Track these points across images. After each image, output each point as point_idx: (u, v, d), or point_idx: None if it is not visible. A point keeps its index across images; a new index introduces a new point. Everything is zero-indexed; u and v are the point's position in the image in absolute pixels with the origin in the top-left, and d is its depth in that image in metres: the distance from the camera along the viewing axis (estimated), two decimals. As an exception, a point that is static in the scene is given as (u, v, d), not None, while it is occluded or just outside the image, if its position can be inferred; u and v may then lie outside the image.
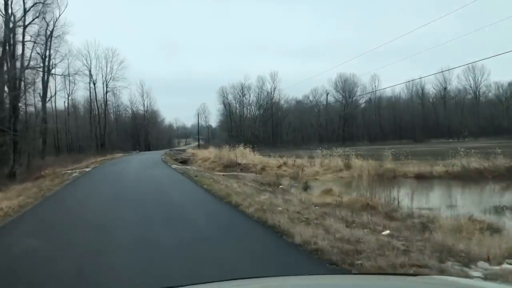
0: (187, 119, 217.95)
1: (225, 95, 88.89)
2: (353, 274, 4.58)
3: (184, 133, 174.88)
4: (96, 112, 66.22)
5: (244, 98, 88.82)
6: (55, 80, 57.51)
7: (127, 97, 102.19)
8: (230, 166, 27.54)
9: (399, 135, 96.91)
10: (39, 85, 45.99)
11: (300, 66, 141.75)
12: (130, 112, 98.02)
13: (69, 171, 23.27)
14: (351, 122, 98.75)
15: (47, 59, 45.52)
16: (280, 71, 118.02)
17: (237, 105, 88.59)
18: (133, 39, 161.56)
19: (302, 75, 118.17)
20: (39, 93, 45.20)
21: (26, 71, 38.59)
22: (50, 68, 47.07)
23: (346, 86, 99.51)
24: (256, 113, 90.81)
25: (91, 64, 65.60)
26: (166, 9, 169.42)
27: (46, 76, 46.06)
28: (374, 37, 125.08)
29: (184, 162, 38.80)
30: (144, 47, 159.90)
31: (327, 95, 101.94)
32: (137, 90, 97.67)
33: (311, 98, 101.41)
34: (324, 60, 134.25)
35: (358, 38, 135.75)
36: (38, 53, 43.72)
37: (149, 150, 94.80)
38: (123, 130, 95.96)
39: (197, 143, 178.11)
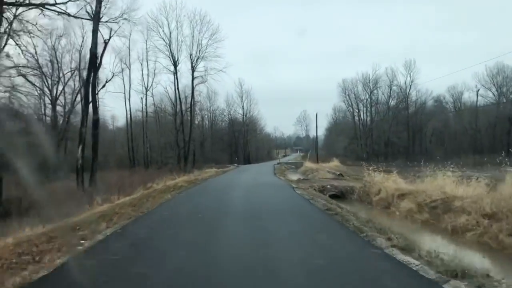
0: (284, 129, 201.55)
1: (349, 89, 65.35)
2: None
3: (282, 144, 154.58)
4: (179, 109, 46.03)
5: (372, 95, 64.56)
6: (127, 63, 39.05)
7: (223, 97, 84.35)
8: None
9: None
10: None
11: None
12: (227, 116, 78.95)
13: None
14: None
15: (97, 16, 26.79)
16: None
17: (365, 104, 64.59)
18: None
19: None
20: (79, 73, 26.60)
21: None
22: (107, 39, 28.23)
23: (506, 81, 70.21)
24: (385, 114, 65.61)
25: (171, 36, 45.08)
26: (251, 17, 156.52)
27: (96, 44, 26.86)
28: None
29: (339, 196, 16.98)
30: (233, 57, 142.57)
31: (477, 92, 73.47)
32: (235, 90, 78.65)
33: (447, 97, 73.69)
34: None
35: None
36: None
37: (249, 163, 75.07)
38: (219, 138, 77.66)
39: (297, 153, 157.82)
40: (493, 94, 72.41)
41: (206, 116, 77.66)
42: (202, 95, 74.26)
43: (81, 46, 32.56)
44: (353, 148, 58.05)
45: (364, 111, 62.84)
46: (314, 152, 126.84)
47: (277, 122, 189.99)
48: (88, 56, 27.65)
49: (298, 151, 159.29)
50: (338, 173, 27.38)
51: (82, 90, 29.52)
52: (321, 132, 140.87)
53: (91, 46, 26.40)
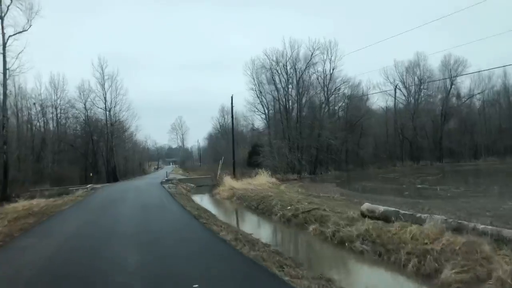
0: (157, 138, 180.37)
1: (273, 70, 44.60)
2: None
3: (154, 155, 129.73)
4: None
5: (289, 83, 45.12)
6: None
7: (76, 81, 53.77)
8: None
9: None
10: None
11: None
12: (83, 114, 52.14)
13: None
14: (453, 128, 58.00)
15: None
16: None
17: (288, 92, 44.66)
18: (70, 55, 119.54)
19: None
20: None
21: None
22: None
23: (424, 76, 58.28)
24: (313, 108, 46.72)
25: None
26: (109, 23, 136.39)
27: None
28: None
29: None
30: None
31: (395, 89, 60.97)
32: (92, 75, 52.78)
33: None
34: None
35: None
36: None
37: (115, 180, 50.23)
38: (68, 144, 51.04)
39: (170, 166, 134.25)
40: (403, 92, 60.67)
41: (51, 115, 50.57)
42: (43, 82, 48.49)
43: None
44: (281, 153, 38.25)
45: (289, 103, 43.17)
46: (197, 163, 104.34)
47: (148, 132, 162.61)
48: None
49: (171, 163, 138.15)
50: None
51: None
52: (196, 142, 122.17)
53: None
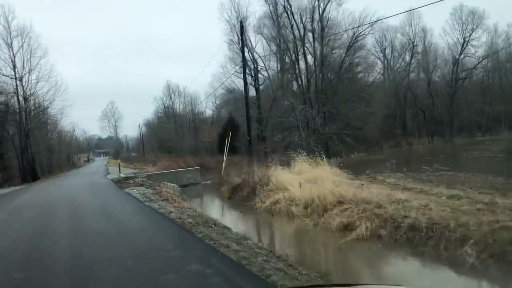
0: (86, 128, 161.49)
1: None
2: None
3: (84, 146, 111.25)
4: None
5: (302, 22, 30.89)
6: None
7: None
8: None
9: None
10: None
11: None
12: None
13: None
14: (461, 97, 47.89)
15: None
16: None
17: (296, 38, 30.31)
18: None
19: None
20: None
21: None
22: None
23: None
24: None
25: None
26: None
27: None
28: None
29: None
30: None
31: (383, 50, 50.24)
32: (-8, 28, 35.09)
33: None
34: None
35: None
36: None
37: (34, 178, 34.06)
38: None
39: (101, 157, 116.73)
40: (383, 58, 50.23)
41: None
42: None
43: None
44: (305, 126, 24.88)
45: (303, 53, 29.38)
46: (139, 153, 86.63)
47: (75, 120, 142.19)
48: None
49: (102, 155, 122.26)
50: None
51: None
52: (129, 132, 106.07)
53: None
